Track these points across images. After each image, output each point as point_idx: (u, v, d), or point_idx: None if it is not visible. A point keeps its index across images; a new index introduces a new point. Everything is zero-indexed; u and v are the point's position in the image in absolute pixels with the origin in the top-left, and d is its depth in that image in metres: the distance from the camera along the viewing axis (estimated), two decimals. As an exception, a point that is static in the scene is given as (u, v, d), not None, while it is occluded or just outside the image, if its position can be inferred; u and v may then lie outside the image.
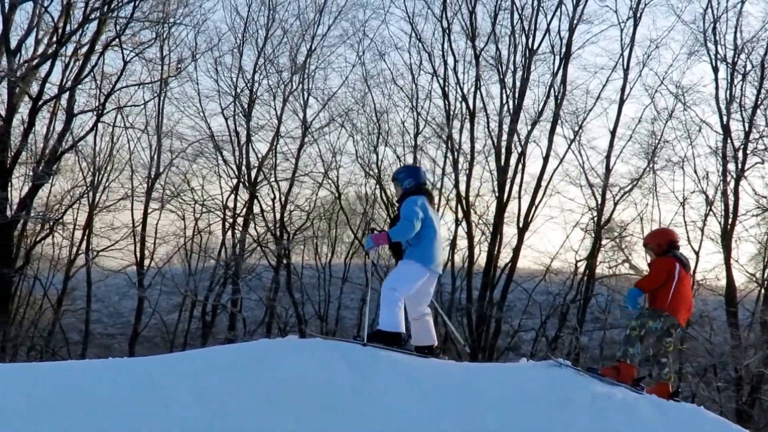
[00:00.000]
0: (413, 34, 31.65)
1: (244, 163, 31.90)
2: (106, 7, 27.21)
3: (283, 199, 32.28)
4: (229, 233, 32.64)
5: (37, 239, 30.11)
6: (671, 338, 9.45)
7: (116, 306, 37.19)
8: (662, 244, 9.71)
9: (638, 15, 29.83)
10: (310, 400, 7.57)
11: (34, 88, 27.35)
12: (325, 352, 8.38)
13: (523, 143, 30.14)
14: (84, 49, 27.93)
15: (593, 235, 30.19)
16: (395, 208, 9.73)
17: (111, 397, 7.63)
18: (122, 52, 28.99)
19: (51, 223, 29.96)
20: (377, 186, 31.68)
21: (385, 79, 32.43)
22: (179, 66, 31.82)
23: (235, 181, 32.47)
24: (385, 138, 32.04)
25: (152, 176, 31.92)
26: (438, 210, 31.05)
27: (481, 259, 30.88)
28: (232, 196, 32.65)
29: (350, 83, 35.82)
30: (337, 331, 30.88)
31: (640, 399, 8.22)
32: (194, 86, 33.37)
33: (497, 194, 30.16)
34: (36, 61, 27.29)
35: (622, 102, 29.96)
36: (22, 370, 9.09)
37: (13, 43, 26.61)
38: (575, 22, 30.05)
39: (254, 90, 32.10)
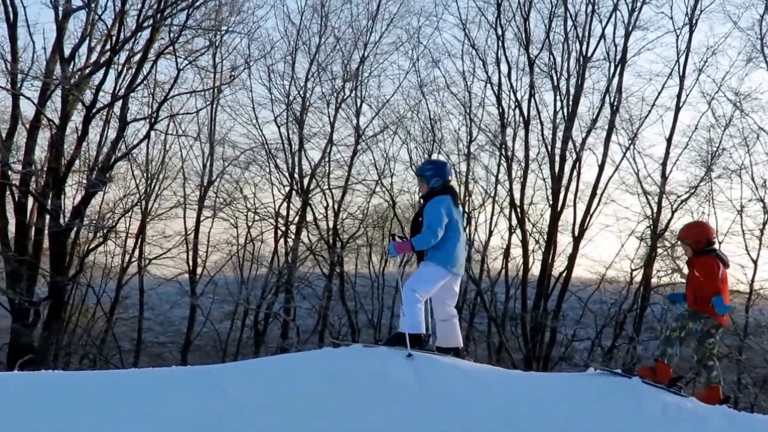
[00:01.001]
0: (466, 41, 31.51)
1: (296, 170, 31.87)
2: (159, 15, 27.29)
3: (336, 206, 32.18)
4: (282, 241, 32.66)
5: (90, 247, 30.12)
6: (713, 339, 9.19)
7: (167, 314, 37.27)
8: (700, 240, 9.31)
9: (694, 21, 29.45)
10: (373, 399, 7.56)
11: (88, 96, 27.47)
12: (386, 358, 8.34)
13: (577, 150, 29.95)
14: (137, 57, 27.98)
15: (649, 244, 29.84)
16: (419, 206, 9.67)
17: (174, 404, 7.68)
18: (176, 60, 29.14)
19: (104, 231, 30.04)
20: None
21: (439, 86, 32.19)
22: (232, 74, 31.95)
23: (287, 188, 32.46)
24: (438, 145, 31.88)
25: (205, 184, 32.10)
26: (492, 218, 31.00)
27: (535, 268, 30.68)
28: (285, 203, 32.62)
29: (404, 90, 35.71)
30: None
31: (711, 410, 8.01)
32: (247, 94, 33.55)
33: (551, 202, 30.00)
34: (89, 69, 27.40)
35: (678, 109, 29.56)
36: (76, 378, 9.09)
37: (67, 51, 26.79)
38: (630, 28, 29.81)
39: (307, 97, 32.03)
